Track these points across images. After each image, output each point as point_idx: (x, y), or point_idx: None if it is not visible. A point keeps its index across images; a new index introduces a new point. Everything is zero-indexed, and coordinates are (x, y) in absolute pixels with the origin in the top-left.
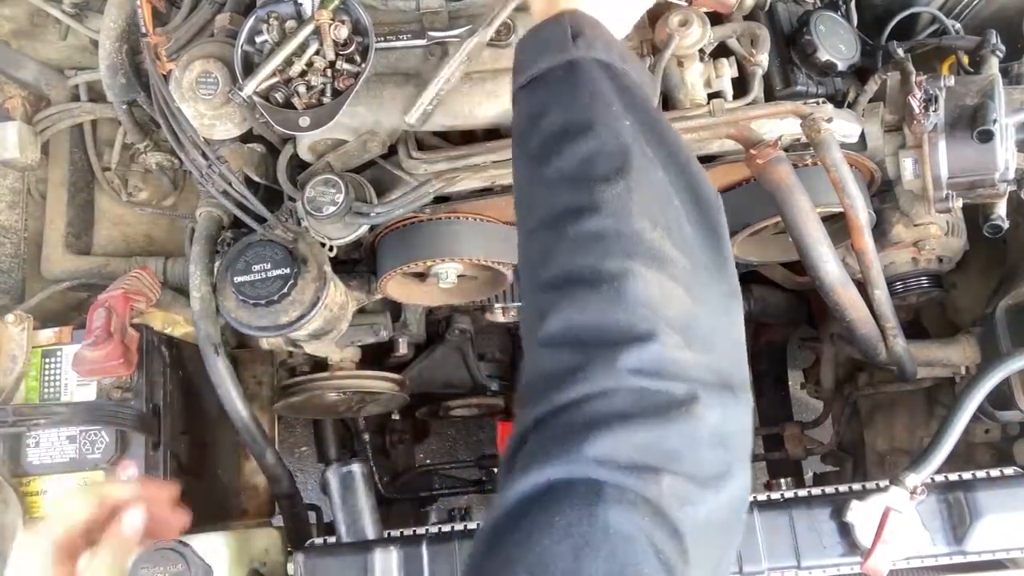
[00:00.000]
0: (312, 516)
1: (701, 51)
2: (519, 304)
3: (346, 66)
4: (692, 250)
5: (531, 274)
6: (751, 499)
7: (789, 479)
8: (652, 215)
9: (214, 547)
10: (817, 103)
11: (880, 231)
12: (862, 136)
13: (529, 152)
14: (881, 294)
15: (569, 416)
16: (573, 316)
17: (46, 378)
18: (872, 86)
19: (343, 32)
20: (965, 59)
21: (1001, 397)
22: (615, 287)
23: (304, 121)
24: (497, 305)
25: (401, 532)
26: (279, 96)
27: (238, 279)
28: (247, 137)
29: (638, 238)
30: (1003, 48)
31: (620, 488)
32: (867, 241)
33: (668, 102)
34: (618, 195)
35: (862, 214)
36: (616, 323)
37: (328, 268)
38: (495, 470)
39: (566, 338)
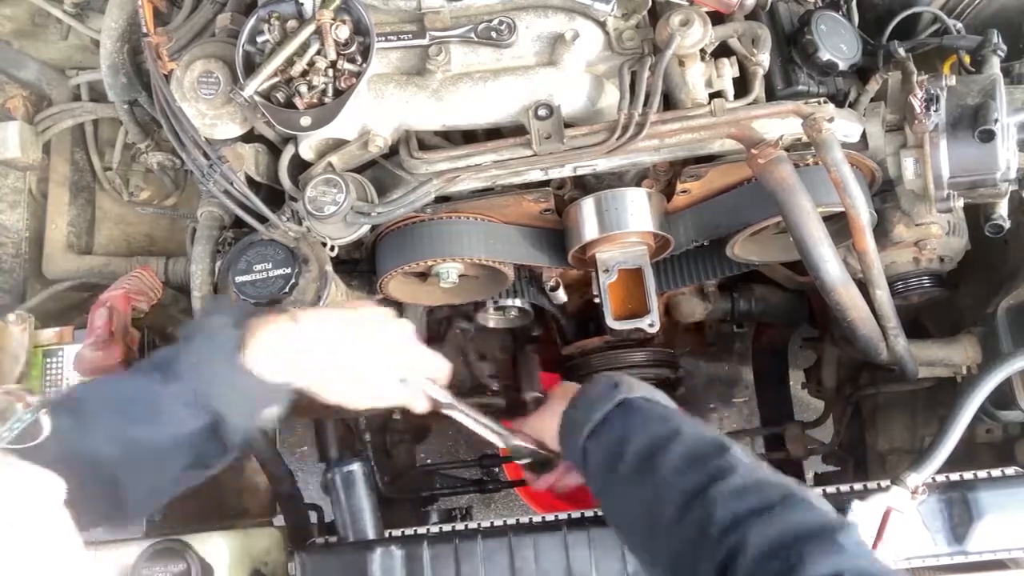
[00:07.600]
0: (313, 516)
1: (702, 51)
2: (517, 304)
3: (347, 66)
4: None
5: (694, 541)
6: None
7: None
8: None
9: (215, 547)
10: (818, 103)
11: (881, 231)
12: (863, 136)
13: (627, 477)
14: (882, 294)
15: None
16: (771, 531)
17: (48, 378)
18: (873, 86)
19: (344, 32)
20: (966, 59)
21: (1002, 397)
22: (798, 498)
23: (305, 121)
24: (491, 306)
25: (402, 532)
26: (280, 96)
27: (239, 279)
28: (248, 137)
29: (768, 476)
30: (1004, 48)
31: None
32: (868, 241)
33: (669, 102)
34: (734, 457)
35: (863, 214)
36: (818, 519)
37: (329, 268)
38: (496, 470)
39: (783, 543)
